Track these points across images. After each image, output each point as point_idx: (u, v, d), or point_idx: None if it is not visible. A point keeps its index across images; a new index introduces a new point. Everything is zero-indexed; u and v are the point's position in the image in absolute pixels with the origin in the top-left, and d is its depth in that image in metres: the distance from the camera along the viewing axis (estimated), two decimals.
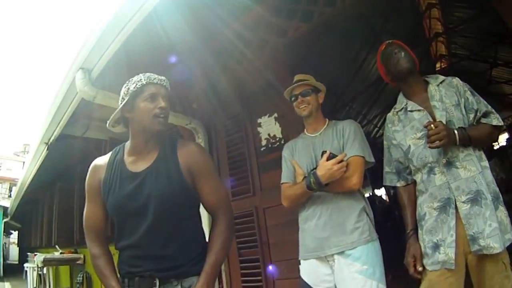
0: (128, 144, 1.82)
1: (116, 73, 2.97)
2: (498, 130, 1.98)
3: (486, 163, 1.91)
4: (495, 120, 1.95)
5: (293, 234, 3.10)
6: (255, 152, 3.72)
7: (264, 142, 3.69)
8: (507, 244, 1.75)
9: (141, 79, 1.72)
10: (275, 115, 3.64)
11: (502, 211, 1.81)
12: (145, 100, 1.70)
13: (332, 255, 2.12)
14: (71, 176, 7.30)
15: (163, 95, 1.73)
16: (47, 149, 4.70)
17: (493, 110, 1.98)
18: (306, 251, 2.24)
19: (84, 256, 6.52)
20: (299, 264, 2.30)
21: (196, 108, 4.14)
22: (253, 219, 3.50)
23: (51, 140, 4.41)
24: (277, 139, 3.60)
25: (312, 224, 2.22)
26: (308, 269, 2.23)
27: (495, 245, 1.71)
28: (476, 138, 1.89)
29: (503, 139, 9.13)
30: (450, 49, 10.13)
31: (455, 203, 1.84)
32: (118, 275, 1.70)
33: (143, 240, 1.64)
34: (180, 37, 3.25)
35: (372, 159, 2.23)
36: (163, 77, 1.78)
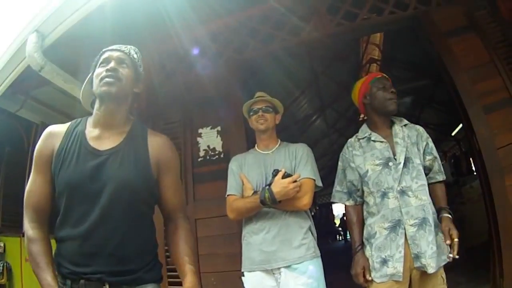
0: (91, 118, 1.64)
1: (69, 51, 2.85)
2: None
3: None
4: (441, 175, 2.32)
5: (225, 248, 3.14)
6: (191, 162, 3.68)
7: (202, 153, 3.67)
8: (443, 263, 2.08)
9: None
10: (218, 128, 3.67)
11: (441, 237, 2.12)
12: (99, 67, 1.59)
13: (279, 268, 2.22)
14: None
15: (116, 57, 1.60)
16: None
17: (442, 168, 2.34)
18: (252, 263, 2.29)
19: (4, 245, 5.76)
20: (243, 275, 2.34)
21: (135, 107, 3.99)
22: None
23: None
24: (217, 152, 3.62)
25: (259, 238, 2.29)
26: (253, 280, 2.29)
27: (433, 265, 2.01)
28: None
29: None
30: None
31: (404, 225, 2.10)
32: (56, 273, 1.44)
33: (93, 232, 1.42)
34: (134, 33, 3.18)
35: (321, 184, 2.39)
36: (129, 46, 1.69)
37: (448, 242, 2.03)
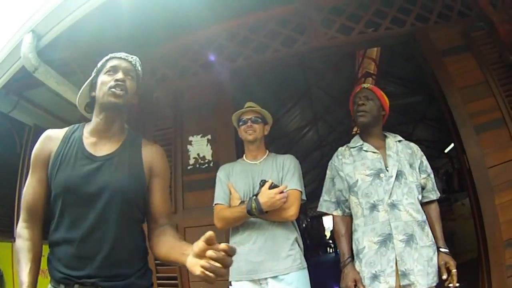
0: (89, 124, 1.67)
1: (63, 52, 2.83)
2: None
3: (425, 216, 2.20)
4: (434, 194, 2.30)
5: None
6: (181, 169, 3.64)
7: (192, 161, 3.63)
8: (433, 284, 2.05)
9: (108, 55, 1.65)
10: (208, 137, 3.63)
11: (436, 256, 2.11)
12: (105, 73, 1.61)
13: (266, 278, 2.22)
14: None
15: (124, 68, 1.63)
16: None
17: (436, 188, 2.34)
18: (239, 273, 2.28)
19: None
20: (230, 285, 2.33)
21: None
22: None
23: None
24: (206, 160, 3.58)
25: (246, 248, 2.27)
26: None
27: (422, 282, 2.00)
28: None
29: None
30: None
31: (393, 239, 2.07)
32: (49, 278, 1.47)
33: (89, 235, 1.44)
34: (128, 37, 3.18)
35: (305, 197, 2.38)
36: (135, 57, 1.70)
37: (444, 276, 2.05)
